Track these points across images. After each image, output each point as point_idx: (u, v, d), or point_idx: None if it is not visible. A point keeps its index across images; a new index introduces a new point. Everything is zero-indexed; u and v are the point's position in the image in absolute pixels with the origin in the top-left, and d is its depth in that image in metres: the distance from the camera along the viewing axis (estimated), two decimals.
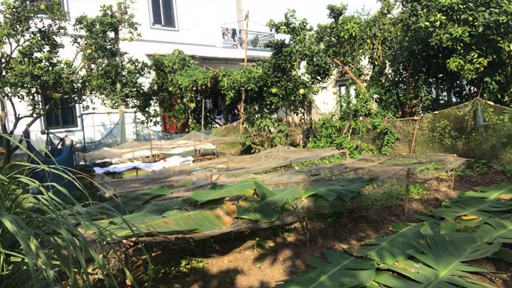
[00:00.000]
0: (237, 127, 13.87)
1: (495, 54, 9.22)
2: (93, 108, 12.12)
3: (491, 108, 9.15)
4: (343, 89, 18.27)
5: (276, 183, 6.14)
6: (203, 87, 14.30)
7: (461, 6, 9.34)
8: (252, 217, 4.41)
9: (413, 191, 7.02)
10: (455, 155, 7.45)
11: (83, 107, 12.17)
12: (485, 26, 8.72)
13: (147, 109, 13.90)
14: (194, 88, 14.38)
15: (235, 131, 13.70)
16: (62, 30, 10.75)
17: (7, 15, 9.74)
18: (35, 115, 10.51)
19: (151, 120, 14.12)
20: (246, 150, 12.48)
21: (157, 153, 11.67)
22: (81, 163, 10.25)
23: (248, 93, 13.16)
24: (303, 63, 12.29)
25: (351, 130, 11.57)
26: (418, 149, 10.38)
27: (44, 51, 10.20)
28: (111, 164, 10.47)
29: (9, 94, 9.82)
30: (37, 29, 10.24)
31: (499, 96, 9.62)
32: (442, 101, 11.79)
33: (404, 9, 10.75)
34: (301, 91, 12.27)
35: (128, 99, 13.03)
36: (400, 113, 12.16)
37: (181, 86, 14.28)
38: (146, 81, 14.31)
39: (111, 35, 12.53)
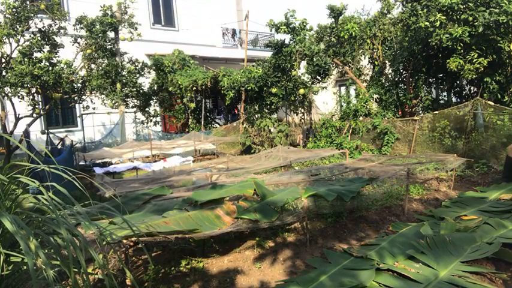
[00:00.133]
0: (237, 127, 13.87)
1: (495, 54, 9.22)
2: (93, 108, 12.12)
3: (491, 108, 9.15)
4: (343, 89, 18.27)
5: (276, 183, 6.14)
6: (203, 87, 14.30)
7: (461, 6, 9.34)
8: (252, 217, 4.41)
9: (413, 191, 7.02)
10: (455, 155, 7.44)
11: (83, 107, 12.17)
12: (485, 26, 8.72)
13: (147, 109, 13.91)
14: (194, 88, 14.38)
15: (235, 131, 13.70)
16: (62, 30, 10.75)
17: (7, 15, 9.74)
18: (35, 115, 10.50)
19: (151, 120, 14.13)
20: (246, 150, 12.47)
21: (157, 153, 11.66)
22: (81, 163, 10.25)
23: (248, 93, 13.16)
24: (303, 63, 12.28)
25: (351, 130, 11.57)
26: (418, 149, 10.38)
27: (44, 51, 10.20)
28: (111, 164, 10.47)
29: (9, 94, 9.82)
30: (37, 29, 10.24)
31: (499, 96, 9.63)
32: (442, 101, 11.79)
33: (404, 9, 10.75)
34: (301, 91, 12.27)
35: (128, 99, 13.03)
36: (400, 113, 12.16)
37: (181, 86, 14.28)
38: (146, 81, 14.31)
39: (111, 35, 12.53)
